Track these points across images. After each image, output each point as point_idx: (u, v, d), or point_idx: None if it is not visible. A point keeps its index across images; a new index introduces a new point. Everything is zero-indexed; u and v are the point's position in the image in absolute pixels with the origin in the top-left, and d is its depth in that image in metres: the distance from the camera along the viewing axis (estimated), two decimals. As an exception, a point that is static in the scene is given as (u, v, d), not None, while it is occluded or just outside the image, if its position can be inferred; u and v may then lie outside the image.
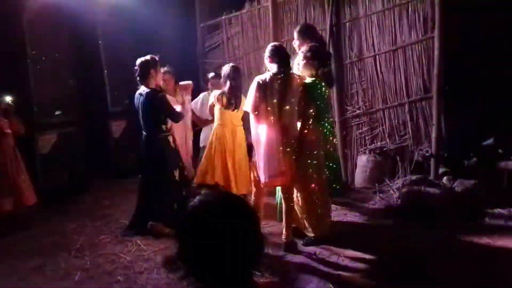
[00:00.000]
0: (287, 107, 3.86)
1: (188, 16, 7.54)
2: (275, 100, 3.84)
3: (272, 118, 3.85)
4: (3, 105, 4.94)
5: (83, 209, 5.65)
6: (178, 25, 7.20)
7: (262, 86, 3.87)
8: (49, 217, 5.27)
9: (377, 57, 5.80)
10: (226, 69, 4.80)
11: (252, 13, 6.94)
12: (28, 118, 5.69)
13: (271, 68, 3.93)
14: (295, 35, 4.59)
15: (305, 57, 3.97)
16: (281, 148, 3.85)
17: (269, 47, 4.00)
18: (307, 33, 4.55)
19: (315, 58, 3.94)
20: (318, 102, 3.97)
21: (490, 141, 5.11)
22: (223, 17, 7.28)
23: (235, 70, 4.80)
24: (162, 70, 4.83)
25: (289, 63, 4.00)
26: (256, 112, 3.93)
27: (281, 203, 4.19)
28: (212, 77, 5.59)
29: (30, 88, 5.86)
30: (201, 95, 5.78)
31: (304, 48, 4.06)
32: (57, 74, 6.35)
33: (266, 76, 3.91)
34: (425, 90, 5.50)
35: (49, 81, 6.18)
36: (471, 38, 5.08)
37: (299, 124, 4.05)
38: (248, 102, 4.02)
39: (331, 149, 4.25)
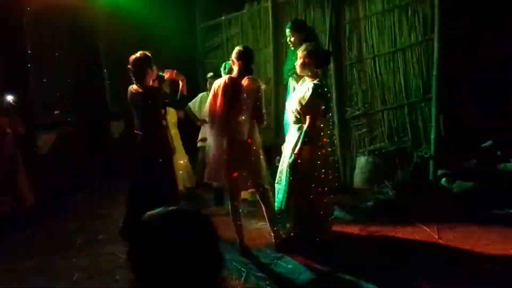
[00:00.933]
0: (237, 111, 3.76)
1: (188, 17, 7.56)
2: (225, 104, 3.81)
3: (219, 121, 3.83)
4: (4, 104, 4.95)
5: (82, 209, 5.66)
6: (178, 26, 7.21)
7: (216, 90, 3.86)
8: (48, 217, 5.29)
9: (377, 58, 5.81)
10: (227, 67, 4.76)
11: (252, 13, 6.96)
12: (28, 118, 5.71)
13: (233, 70, 3.92)
14: (287, 32, 4.59)
15: (302, 57, 3.88)
16: (221, 153, 3.82)
17: (235, 50, 3.93)
18: (299, 26, 4.58)
19: (313, 57, 3.86)
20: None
21: (488, 143, 5.12)
22: (223, 18, 7.29)
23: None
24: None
25: (250, 67, 3.92)
26: (209, 114, 3.94)
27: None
28: (210, 77, 5.60)
29: (30, 87, 5.88)
30: (199, 95, 5.80)
31: (301, 48, 3.97)
32: (57, 74, 6.37)
33: (224, 79, 3.89)
34: (425, 92, 5.51)
35: (49, 81, 6.20)
36: (471, 40, 5.09)
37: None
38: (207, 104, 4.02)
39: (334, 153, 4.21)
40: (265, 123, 4.04)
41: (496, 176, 4.90)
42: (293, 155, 3.83)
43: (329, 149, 4.02)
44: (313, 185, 3.92)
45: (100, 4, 6.64)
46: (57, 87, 6.39)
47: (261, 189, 3.99)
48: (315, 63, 3.84)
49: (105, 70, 6.92)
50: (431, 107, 5.42)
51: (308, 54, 3.82)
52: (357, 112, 6.01)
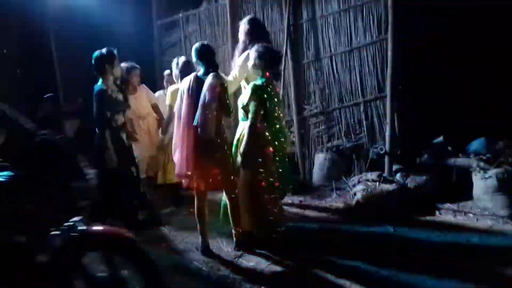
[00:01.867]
0: (201, 109, 3.72)
1: (144, 13, 7.42)
2: (189, 102, 3.80)
3: (183, 120, 3.81)
4: None
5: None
6: (134, 22, 7.07)
7: (184, 88, 3.85)
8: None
9: (334, 57, 5.92)
10: (179, 63, 4.69)
11: (209, 11, 6.92)
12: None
13: (199, 69, 3.91)
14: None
15: (252, 58, 3.87)
16: (186, 152, 3.79)
17: (196, 48, 3.87)
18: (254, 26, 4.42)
19: (262, 59, 3.82)
20: (268, 104, 3.85)
21: (440, 139, 5.32)
22: (180, 15, 7.22)
23: (187, 64, 4.64)
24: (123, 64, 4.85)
25: (215, 63, 3.91)
26: (176, 113, 3.93)
27: (225, 204, 4.11)
28: (168, 75, 5.54)
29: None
30: (157, 93, 5.71)
31: (252, 49, 3.93)
32: (4, 71, 6.09)
33: (190, 78, 3.86)
34: (379, 90, 5.66)
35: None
36: (421, 40, 5.27)
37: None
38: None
39: (279, 152, 4.12)
40: (232, 116, 4.13)
41: (447, 170, 5.12)
42: (238, 154, 3.91)
43: (274, 149, 4.00)
44: (259, 182, 3.92)
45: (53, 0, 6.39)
46: (4, 85, 6.10)
47: (228, 189, 3.97)
48: (264, 65, 3.84)
49: (56, 68, 6.66)
50: (385, 105, 5.58)
51: (258, 56, 3.82)
52: (315, 110, 6.11)
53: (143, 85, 5.40)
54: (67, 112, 6.79)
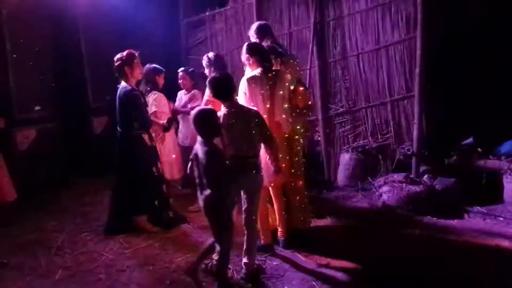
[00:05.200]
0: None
1: (171, 12, 7.48)
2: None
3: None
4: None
5: (64, 206, 5.57)
6: (161, 21, 7.14)
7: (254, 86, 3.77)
8: (29, 214, 5.18)
9: (360, 56, 5.84)
10: (206, 59, 4.71)
11: (236, 9, 6.93)
12: (7, 114, 5.59)
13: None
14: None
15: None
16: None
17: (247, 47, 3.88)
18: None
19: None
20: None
21: (470, 140, 5.21)
22: (207, 13, 7.25)
23: (217, 57, 4.73)
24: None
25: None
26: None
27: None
28: (182, 71, 5.45)
29: (9, 83, 5.75)
30: (179, 94, 5.65)
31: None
32: (37, 69, 6.25)
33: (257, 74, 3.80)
34: (407, 89, 5.56)
35: (28, 76, 6.08)
36: (454, 39, 5.16)
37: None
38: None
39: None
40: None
41: (476, 172, 4.99)
42: None
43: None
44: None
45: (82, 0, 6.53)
46: (37, 82, 6.26)
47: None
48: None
49: (86, 65, 6.79)
50: (413, 104, 5.48)
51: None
52: (341, 109, 6.04)
53: None
54: (96, 109, 6.93)
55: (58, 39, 6.57)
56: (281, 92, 3.86)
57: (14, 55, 5.82)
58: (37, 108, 6.25)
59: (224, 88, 3.43)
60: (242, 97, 3.79)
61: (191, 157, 3.24)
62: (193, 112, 3.26)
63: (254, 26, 4.39)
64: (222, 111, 3.41)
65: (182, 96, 5.55)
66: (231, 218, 3.26)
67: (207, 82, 3.57)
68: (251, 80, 3.76)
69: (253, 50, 3.87)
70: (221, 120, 3.34)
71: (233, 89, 3.49)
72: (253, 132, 3.38)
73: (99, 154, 6.61)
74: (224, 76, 3.53)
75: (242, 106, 3.52)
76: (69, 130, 6.68)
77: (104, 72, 6.42)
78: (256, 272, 3.51)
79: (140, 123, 4.48)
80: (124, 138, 4.52)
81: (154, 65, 5.16)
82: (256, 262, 3.60)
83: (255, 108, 3.55)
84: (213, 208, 3.18)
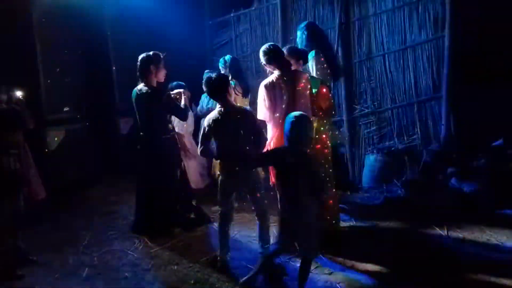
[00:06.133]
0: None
1: (197, 13, 7.54)
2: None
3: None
4: (13, 99, 4.94)
5: (91, 205, 5.68)
6: (187, 22, 7.19)
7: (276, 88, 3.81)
8: (57, 213, 5.31)
9: (386, 56, 5.77)
10: (222, 61, 4.93)
11: (260, 10, 6.93)
12: (37, 114, 5.73)
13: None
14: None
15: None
16: None
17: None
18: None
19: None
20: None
21: (499, 142, 5.06)
22: (232, 15, 7.28)
23: (235, 60, 4.89)
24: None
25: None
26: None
27: None
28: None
29: (39, 84, 5.90)
30: (203, 97, 5.62)
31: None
32: (66, 71, 6.40)
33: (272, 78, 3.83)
34: (435, 90, 5.46)
35: (58, 77, 6.23)
36: (484, 38, 5.02)
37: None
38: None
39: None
40: None
41: (507, 176, 4.84)
42: None
43: None
44: None
45: (109, 2, 6.64)
46: (66, 84, 6.42)
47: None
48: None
49: (114, 67, 6.92)
50: (441, 105, 5.37)
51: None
52: (366, 110, 5.98)
53: None
54: (122, 110, 7.04)
55: (86, 42, 6.72)
56: (301, 91, 3.82)
57: (44, 58, 5.96)
58: (66, 109, 6.39)
59: (217, 87, 3.56)
60: (262, 105, 3.84)
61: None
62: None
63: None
64: (216, 110, 3.59)
65: (204, 99, 5.56)
66: None
67: (203, 82, 3.71)
68: (268, 86, 3.82)
69: (268, 55, 3.88)
70: (214, 119, 3.54)
71: (226, 89, 3.61)
72: (245, 130, 3.51)
73: (125, 154, 6.71)
74: (218, 76, 3.63)
75: (234, 106, 3.69)
76: (97, 130, 6.82)
77: (130, 73, 6.53)
78: (279, 272, 3.50)
79: (181, 116, 4.48)
80: (154, 142, 4.45)
81: (176, 82, 5.10)
82: (279, 263, 3.59)
83: (248, 108, 3.72)
84: None
